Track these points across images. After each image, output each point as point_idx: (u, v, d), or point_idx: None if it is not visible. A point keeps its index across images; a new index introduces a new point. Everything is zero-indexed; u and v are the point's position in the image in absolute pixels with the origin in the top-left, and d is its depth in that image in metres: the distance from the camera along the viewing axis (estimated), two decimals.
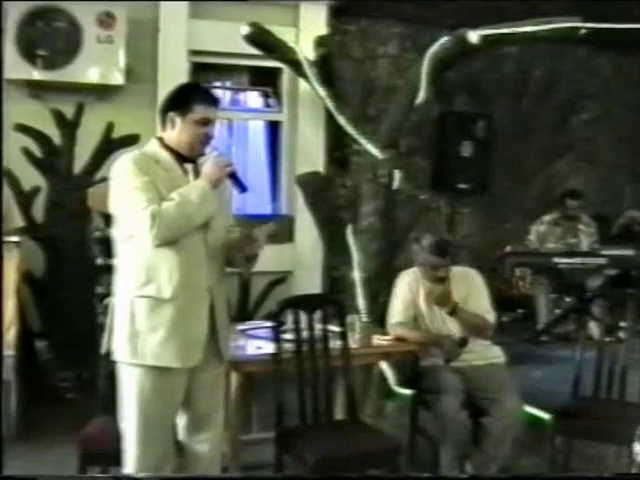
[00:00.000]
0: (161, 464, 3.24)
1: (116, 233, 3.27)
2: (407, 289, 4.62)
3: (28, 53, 5.89)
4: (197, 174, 3.29)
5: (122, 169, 3.20)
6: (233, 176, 3.33)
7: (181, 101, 3.28)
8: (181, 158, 3.29)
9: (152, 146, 3.31)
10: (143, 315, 3.17)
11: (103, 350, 3.34)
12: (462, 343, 4.44)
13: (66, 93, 6.19)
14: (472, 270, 4.75)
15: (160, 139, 3.31)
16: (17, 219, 5.78)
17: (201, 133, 3.25)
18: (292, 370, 3.94)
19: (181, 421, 3.36)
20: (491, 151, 7.52)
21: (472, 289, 4.61)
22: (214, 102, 3.33)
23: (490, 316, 4.57)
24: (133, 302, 3.19)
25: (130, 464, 3.24)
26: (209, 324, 3.26)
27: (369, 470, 4.00)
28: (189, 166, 3.31)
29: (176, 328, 3.17)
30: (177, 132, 3.27)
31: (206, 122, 3.26)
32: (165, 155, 3.26)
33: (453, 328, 4.54)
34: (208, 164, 3.27)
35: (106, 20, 6.03)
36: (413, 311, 4.60)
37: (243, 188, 3.37)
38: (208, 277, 3.26)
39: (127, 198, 3.15)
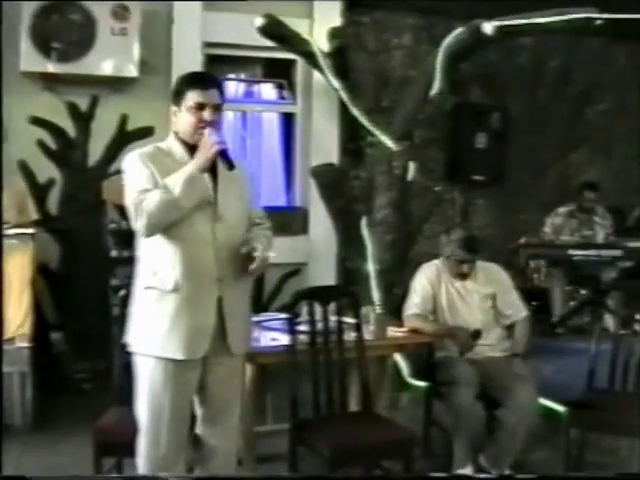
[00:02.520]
0: (172, 456, 3.24)
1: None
2: (427, 283, 4.62)
3: (43, 46, 5.90)
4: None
5: (126, 164, 3.22)
6: (222, 153, 3.18)
7: (176, 92, 3.26)
8: (194, 149, 3.27)
9: (168, 140, 3.31)
10: (151, 306, 3.19)
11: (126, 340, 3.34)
12: (476, 335, 4.44)
13: (80, 85, 6.20)
14: (496, 266, 4.76)
15: (176, 133, 3.30)
16: (32, 212, 5.80)
17: (197, 118, 3.19)
18: (306, 362, 3.94)
19: (199, 413, 3.37)
20: (506, 143, 7.49)
21: (500, 286, 4.63)
22: (206, 85, 3.22)
23: (523, 311, 4.62)
24: (143, 293, 3.21)
25: (141, 454, 3.25)
26: (217, 316, 3.22)
27: (383, 462, 4.01)
28: None
29: (180, 319, 3.15)
30: (179, 123, 3.25)
31: (201, 106, 3.18)
32: (178, 148, 3.25)
33: (474, 323, 4.53)
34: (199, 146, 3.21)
35: (120, 12, 6.04)
36: (432, 305, 4.60)
37: (230, 166, 3.19)
38: (217, 268, 3.20)
39: (126, 192, 3.16)
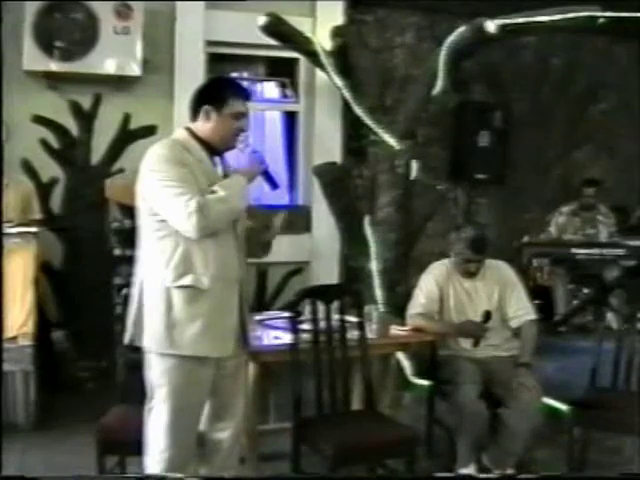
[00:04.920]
0: (189, 454, 3.27)
1: (147, 223, 3.24)
2: (434, 284, 4.59)
3: (46, 45, 5.91)
4: (223, 167, 3.35)
5: (159, 159, 3.18)
6: (266, 173, 3.41)
7: (217, 95, 3.29)
8: (209, 150, 3.29)
9: (182, 136, 3.31)
10: (181, 305, 3.17)
11: (126, 340, 3.31)
12: (486, 318, 4.40)
13: (83, 84, 6.21)
14: (504, 264, 4.73)
15: (189, 129, 3.31)
16: (36, 212, 5.79)
17: (235, 127, 3.29)
18: (309, 360, 3.94)
19: (205, 409, 3.37)
20: (509, 141, 7.49)
21: (507, 284, 4.60)
22: (247, 96, 3.37)
23: (531, 314, 4.57)
24: (170, 292, 3.17)
25: (156, 457, 3.22)
26: (239, 314, 3.33)
27: (386, 460, 4.00)
28: (216, 159, 3.34)
29: (213, 318, 3.20)
30: (212, 125, 3.27)
31: (240, 116, 3.29)
32: (196, 146, 3.27)
33: None
34: (244, 160, 3.34)
35: (123, 11, 6.04)
36: (437, 306, 4.56)
37: (275, 185, 3.45)
38: (238, 269, 3.31)
39: (167, 189, 3.12)
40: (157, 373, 3.22)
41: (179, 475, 3.18)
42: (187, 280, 3.17)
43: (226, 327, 3.27)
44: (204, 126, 3.28)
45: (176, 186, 3.11)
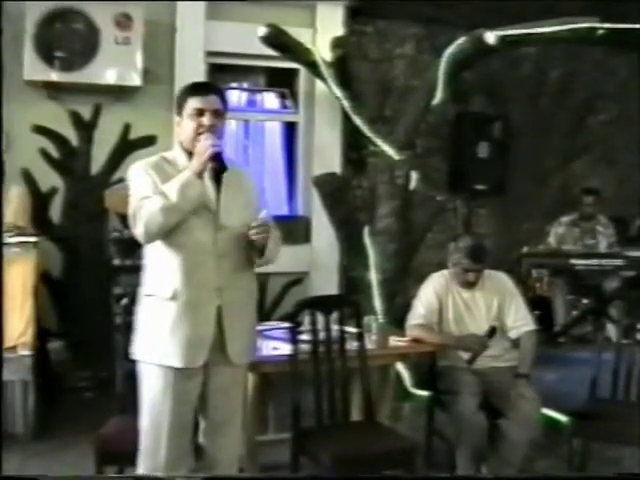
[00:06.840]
0: (171, 464, 3.21)
1: None
2: (434, 295, 4.57)
3: (46, 55, 5.92)
4: (213, 171, 3.23)
5: (130, 174, 3.26)
6: (216, 156, 3.15)
7: (178, 102, 3.30)
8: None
9: (174, 150, 3.33)
10: (151, 314, 3.21)
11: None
12: (491, 333, 4.41)
13: (84, 94, 6.22)
14: (503, 274, 4.72)
15: (180, 143, 3.31)
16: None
17: (196, 124, 3.20)
18: (309, 371, 3.94)
19: (202, 423, 3.36)
20: (508, 152, 7.50)
21: (506, 295, 4.59)
22: (205, 92, 3.26)
23: (530, 325, 4.55)
24: (145, 301, 3.24)
25: (140, 462, 3.24)
26: (217, 325, 3.20)
27: (385, 471, 4.00)
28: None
29: (178, 327, 3.15)
30: (181, 131, 3.27)
31: (200, 113, 3.20)
32: (182, 157, 3.26)
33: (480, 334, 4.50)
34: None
35: (123, 21, 6.06)
36: (436, 318, 4.55)
37: (222, 168, 3.19)
38: (217, 277, 3.19)
39: (129, 201, 3.19)
40: (141, 381, 3.25)
41: (177, 475, 3.19)
42: (153, 289, 3.21)
43: (195, 337, 3.17)
44: (179, 136, 3.30)
45: (133, 197, 3.16)
